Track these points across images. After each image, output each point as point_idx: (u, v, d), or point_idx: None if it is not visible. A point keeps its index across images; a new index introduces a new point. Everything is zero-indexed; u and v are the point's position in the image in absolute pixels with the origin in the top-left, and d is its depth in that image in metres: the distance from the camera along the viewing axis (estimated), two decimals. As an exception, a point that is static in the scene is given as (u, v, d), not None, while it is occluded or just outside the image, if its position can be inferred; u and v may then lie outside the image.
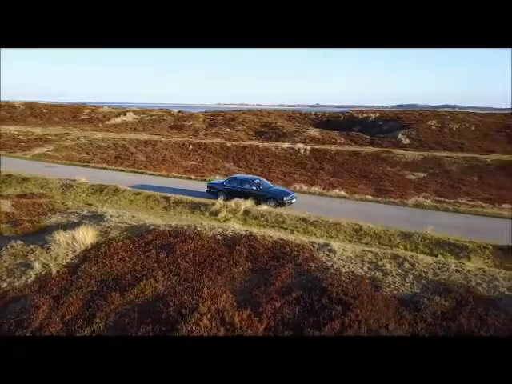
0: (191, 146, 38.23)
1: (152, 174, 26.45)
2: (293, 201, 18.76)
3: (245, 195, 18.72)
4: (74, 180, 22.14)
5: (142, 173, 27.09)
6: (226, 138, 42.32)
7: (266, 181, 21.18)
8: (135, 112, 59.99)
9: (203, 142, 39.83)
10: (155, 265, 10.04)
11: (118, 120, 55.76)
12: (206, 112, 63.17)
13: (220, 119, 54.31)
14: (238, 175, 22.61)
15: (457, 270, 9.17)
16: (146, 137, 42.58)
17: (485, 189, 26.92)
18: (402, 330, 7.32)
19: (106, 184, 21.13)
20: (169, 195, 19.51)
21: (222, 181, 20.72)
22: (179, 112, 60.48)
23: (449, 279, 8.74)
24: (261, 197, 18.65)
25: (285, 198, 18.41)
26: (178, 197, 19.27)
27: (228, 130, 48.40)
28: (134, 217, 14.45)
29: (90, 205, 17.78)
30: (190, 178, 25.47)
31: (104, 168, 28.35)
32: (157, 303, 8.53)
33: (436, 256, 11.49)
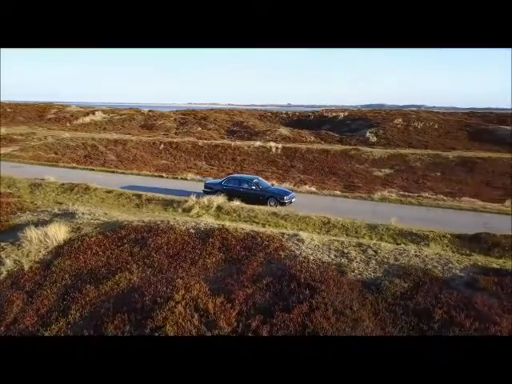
0: (162, 145, 38.09)
1: (123, 173, 26.36)
2: (292, 200, 18.51)
3: (244, 195, 18.43)
4: (43, 179, 21.80)
5: (113, 172, 26.94)
6: (197, 137, 42.38)
7: (264, 180, 20.88)
8: (104, 111, 58.96)
9: (175, 140, 39.74)
10: (129, 258, 10.24)
11: (87, 119, 54.67)
12: (177, 111, 62.83)
13: (191, 118, 54.19)
14: (235, 175, 21.96)
15: (416, 255, 9.85)
16: (115, 136, 42.06)
17: (447, 183, 28.31)
18: (365, 310, 7.88)
19: (76, 183, 20.94)
20: (140, 193, 19.55)
21: (219, 180, 20.26)
22: (149, 111, 59.91)
23: (408, 263, 9.39)
24: (261, 196, 18.39)
25: (285, 197, 18.21)
26: (149, 194, 19.35)
27: (200, 128, 48.42)
28: (106, 214, 14.49)
29: (61, 203, 17.59)
30: (162, 177, 25.53)
31: (74, 167, 27.97)
32: (132, 294, 8.76)
33: (399, 245, 12.17)
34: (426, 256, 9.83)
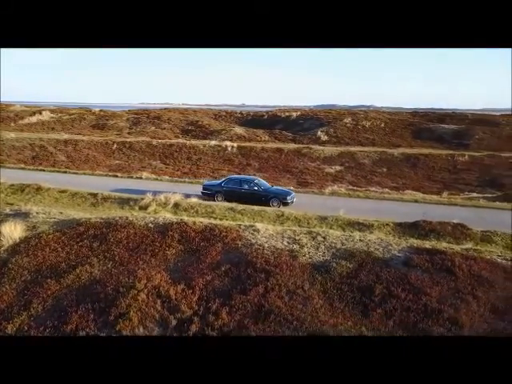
0: (115, 145, 37.51)
1: (75, 173, 25.91)
2: (294, 200, 18.45)
3: (246, 196, 18.24)
4: (-10, 180, 21.02)
5: (64, 172, 26.41)
6: (151, 137, 42.03)
7: (263, 181, 20.66)
8: (52, 111, 56.79)
9: (128, 140, 39.24)
10: (89, 253, 10.42)
11: (34, 119, 52.41)
12: (129, 111, 61.74)
13: (144, 118, 53.48)
14: (234, 176, 21.51)
15: (360, 240, 10.83)
16: (65, 136, 40.80)
17: (392, 178, 30.26)
18: (315, 289, 8.68)
19: (26, 183, 20.42)
20: (96, 192, 19.42)
21: (219, 182, 19.91)
22: (101, 111, 58.40)
23: (353, 247, 10.34)
24: (263, 197, 18.18)
25: (288, 198, 18.08)
26: (105, 193, 19.28)
27: (153, 128, 47.97)
28: (61, 213, 14.39)
29: (12, 204, 17.17)
30: (117, 176, 25.36)
31: (22, 168, 27.08)
32: (94, 286, 9.03)
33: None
34: (369, 240, 10.84)
